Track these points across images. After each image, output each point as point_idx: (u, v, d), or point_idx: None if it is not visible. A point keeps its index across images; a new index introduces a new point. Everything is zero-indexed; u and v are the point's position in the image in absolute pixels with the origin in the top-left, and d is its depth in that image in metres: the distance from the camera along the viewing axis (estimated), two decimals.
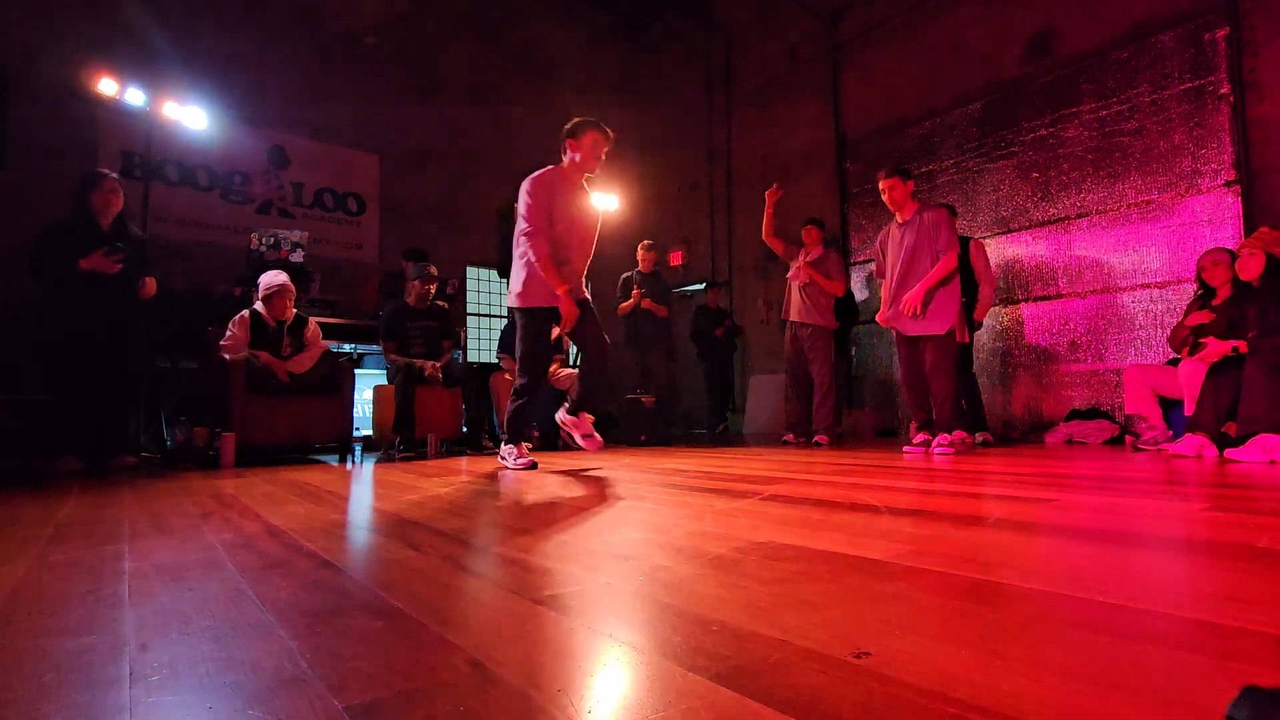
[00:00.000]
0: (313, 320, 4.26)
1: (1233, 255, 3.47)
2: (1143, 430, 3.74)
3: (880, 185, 3.94)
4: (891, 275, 3.99)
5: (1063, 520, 1.51)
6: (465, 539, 1.46)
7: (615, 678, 0.68)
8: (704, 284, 8.02)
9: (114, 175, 3.69)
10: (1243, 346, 3.12)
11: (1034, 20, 5.17)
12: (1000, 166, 5.32)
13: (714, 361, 6.73)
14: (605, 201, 7.25)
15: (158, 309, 4.03)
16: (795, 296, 5.01)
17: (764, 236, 5.05)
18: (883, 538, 1.34)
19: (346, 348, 5.27)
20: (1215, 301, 3.57)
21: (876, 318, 4.19)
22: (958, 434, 4.70)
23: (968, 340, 4.36)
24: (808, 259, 4.97)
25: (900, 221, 3.95)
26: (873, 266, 6.14)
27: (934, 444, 3.73)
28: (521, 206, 3.01)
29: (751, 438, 6.17)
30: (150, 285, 3.75)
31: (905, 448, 3.91)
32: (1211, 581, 0.99)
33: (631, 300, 5.68)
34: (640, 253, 5.88)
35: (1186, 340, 3.47)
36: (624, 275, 5.93)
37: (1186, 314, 3.66)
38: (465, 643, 0.78)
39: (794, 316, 5.02)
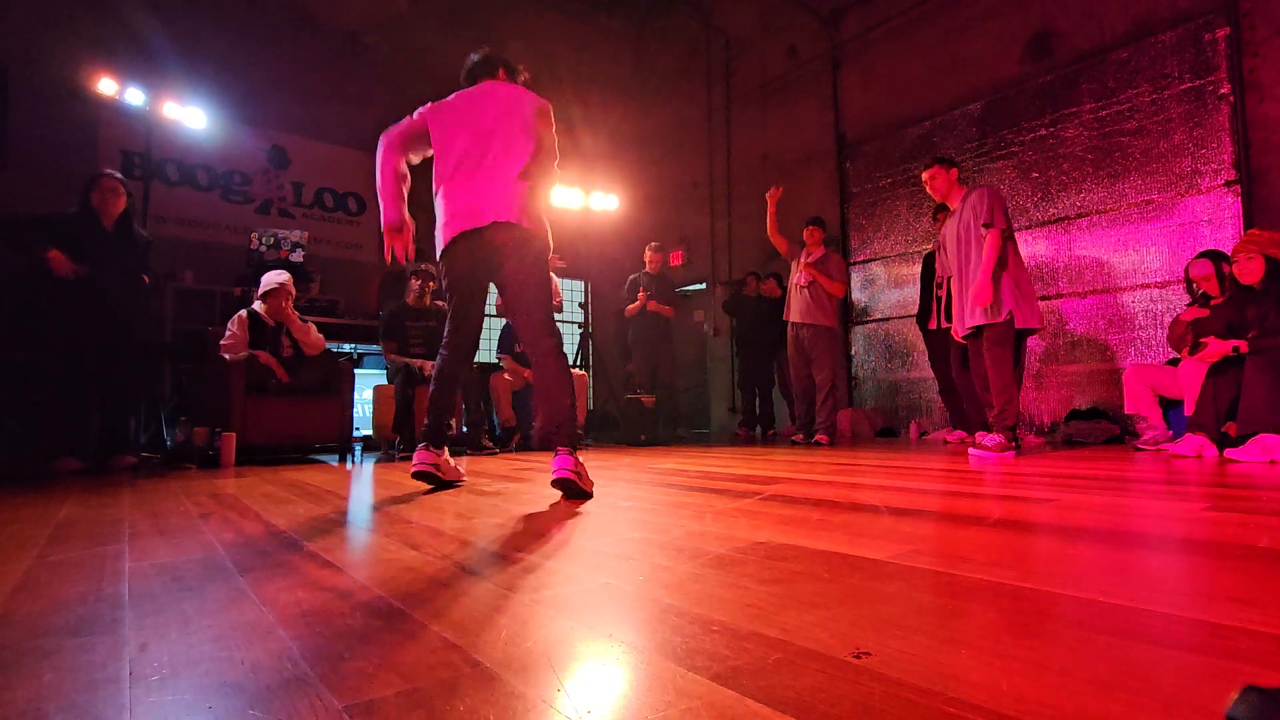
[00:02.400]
0: (311, 322, 4.27)
1: (1215, 260, 3.47)
2: (1143, 430, 3.74)
3: (923, 178, 3.79)
4: (953, 270, 3.75)
5: (1063, 520, 1.51)
6: (465, 539, 1.46)
7: (615, 677, 0.68)
8: (703, 283, 8.03)
9: (116, 175, 3.67)
10: (1243, 346, 3.12)
11: (1034, 20, 5.17)
12: (1000, 166, 5.32)
13: (755, 358, 6.33)
14: (605, 201, 7.27)
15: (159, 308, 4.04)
16: (797, 297, 5.04)
17: (769, 235, 5.06)
18: (883, 538, 1.34)
19: (346, 348, 5.27)
20: (1214, 302, 3.57)
21: (952, 330, 3.90)
22: (957, 434, 4.71)
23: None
24: (809, 259, 4.99)
25: (951, 210, 3.77)
26: (876, 266, 6.22)
27: (978, 441, 3.50)
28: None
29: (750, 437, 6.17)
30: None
31: (972, 452, 3.54)
32: (1211, 581, 0.99)
33: (638, 302, 5.70)
34: (648, 254, 5.89)
35: (1185, 337, 3.47)
36: (631, 276, 5.93)
37: (1186, 311, 3.67)
38: (465, 642, 0.78)
39: (796, 318, 5.04)
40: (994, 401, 3.54)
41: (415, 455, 2.34)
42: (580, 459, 2.13)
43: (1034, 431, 4.73)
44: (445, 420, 2.40)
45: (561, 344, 2.28)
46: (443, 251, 2.32)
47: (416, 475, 2.31)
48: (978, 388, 3.79)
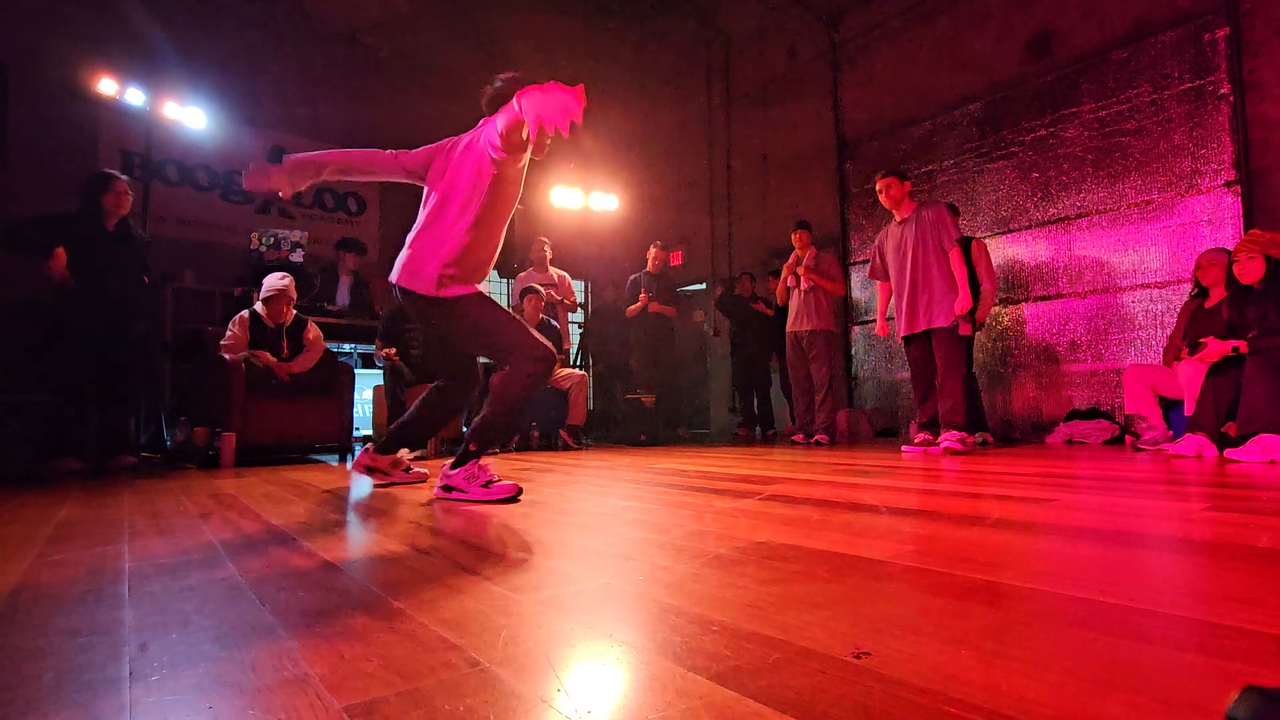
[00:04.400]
0: (312, 323, 4.26)
1: (1229, 255, 3.50)
2: (1143, 430, 3.74)
3: (877, 185, 4.01)
4: (895, 277, 4.03)
5: (1063, 520, 1.51)
6: (465, 538, 1.46)
7: (615, 677, 0.68)
8: (703, 283, 8.03)
9: (124, 177, 3.71)
10: (1243, 347, 3.12)
11: (1034, 20, 5.16)
12: (1000, 166, 5.32)
13: (749, 357, 6.36)
14: (605, 201, 7.26)
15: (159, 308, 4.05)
16: (794, 303, 5.03)
17: (779, 302, 5.26)
18: (883, 538, 1.34)
19: (346, 348, 5.27)
20: (1209, 303, 3.58)
21: (879, 331, 4.26)
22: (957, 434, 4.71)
23: (969, 334, 4.37)
24: (805, 264, 4.97)
25: (899, 220, 4.01)
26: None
27: (942, 439, 3.70)
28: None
29: (748, 437, 6.17)
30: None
31: (904, 447, 3.91)
32: (1211, 581, 0.99)
33: (639, 303, 5.69)
34: (652, 252, 5.89)
35: (1179, 355, 3.49)
36: (632, 276, 5.93)
37: (1179, 320, 3.70)
38: (465, 642, 0.78)
39: (793, 326, 5.04)
40: (948, 401, 3.77)
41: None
42: (477, 467, 2.12)
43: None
44: (414, 430, 2.51)
45: (521, 365, 2.17)
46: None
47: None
48: (922, 381, 4.02)
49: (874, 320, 6.22)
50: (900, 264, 3.96)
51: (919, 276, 3.86)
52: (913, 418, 5.78)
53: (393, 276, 2.22)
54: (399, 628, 0.85)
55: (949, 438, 3.67)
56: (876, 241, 4.21)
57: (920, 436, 3.90)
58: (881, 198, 4.02)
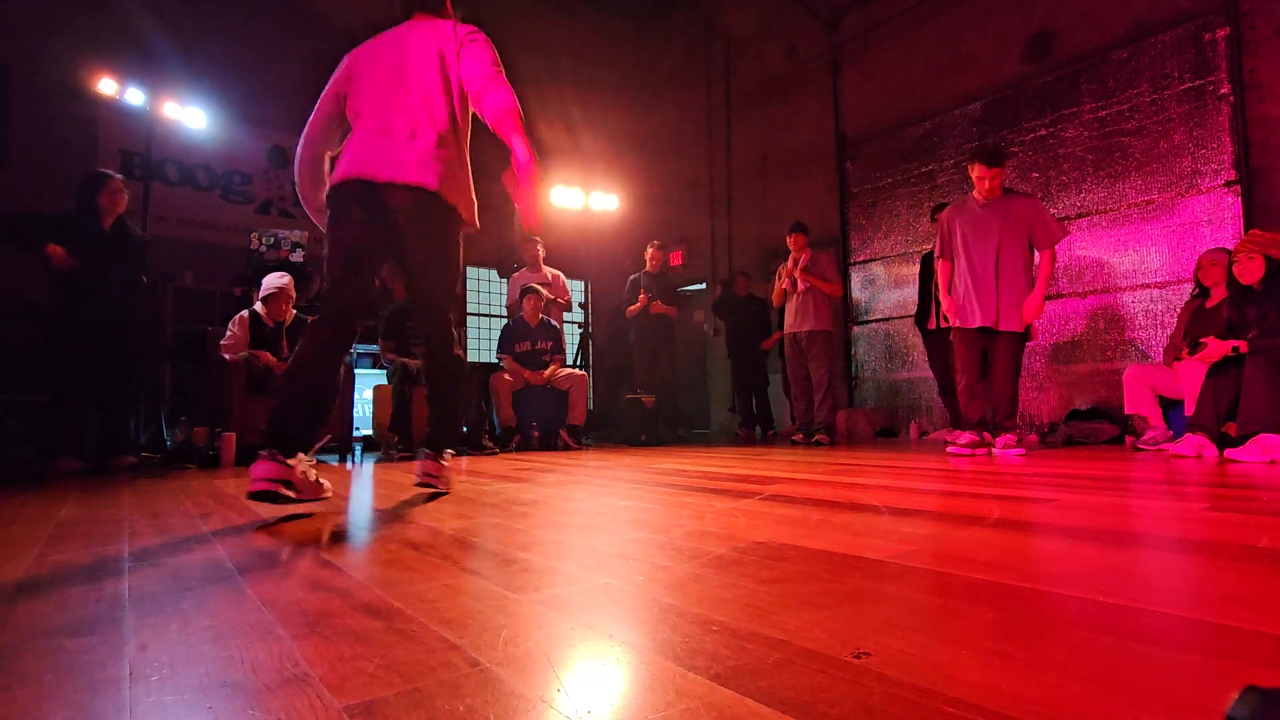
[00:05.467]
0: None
1: (1230, 255, 3.50)
2: (1143, 430, 3.74)
3: (979, 174, 3.57)
4: (968, 261, 3.65)
5: (1063, 520, 1.51)
6: (465, 539, 1.46)
7: (615, 678, 0.68)
8: (703, 283, 8.03)
9: (119, 176, 3.72)
10: (1243, 346, 3.12)
11: (1034, 20, 5.17)
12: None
13: (747, 358, 6.31)
14: (605, 201, 7.26)
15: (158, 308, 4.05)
16: (793, 304, 5.03)
17: (775, 304, 5.25)
18: (883, 538, 1.34)
19: None
20: (1210, 303, 3.58)
21: (947, 310, 3.80)
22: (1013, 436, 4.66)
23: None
24: (800, 266, 4.97)
25: (983, 202, 3.64)
26: (876, 266, 6.22)
27: (998, 443, 3.54)
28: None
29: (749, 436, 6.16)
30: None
31: (950, 449, 3.63)
32: (1211, 581, 0.99)
33: (639, 304, 5.69)
34: (650, 252, 5.89)
35: (1179, 355, 3.49)
36: (631, 276, 5.93)
37: (1180, 320, 3.69)
38: (465, 642, 0.78)
39: (792, 327, 5.04)
40: (1007, 404, 3.62)
41: (253, 467, 1.71)
42: (445, 463, 2.19)
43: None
44: (303, 417, 1.79)
45: (455, 335, 2.16)
46: (330, 193, 1.98)
47: (252, 495, 1.70)
48: (968, 375, 3.78)
49: (874, 320, 6.23)
50: (980, 249, 3.60)
51: (1004, 271, 3.54)
52: (914, 418, 5.81)
53: (406, 177, 1.90)
54: (399, 628, 0.85)
55: (1007, 441, 3.52)
56: (945, 218, 3.79)
57: (966, 437, 3.57)
58: (985, 186, 3.56)
